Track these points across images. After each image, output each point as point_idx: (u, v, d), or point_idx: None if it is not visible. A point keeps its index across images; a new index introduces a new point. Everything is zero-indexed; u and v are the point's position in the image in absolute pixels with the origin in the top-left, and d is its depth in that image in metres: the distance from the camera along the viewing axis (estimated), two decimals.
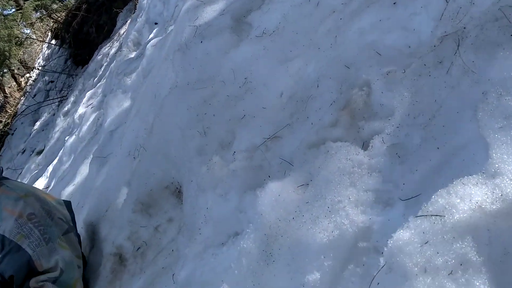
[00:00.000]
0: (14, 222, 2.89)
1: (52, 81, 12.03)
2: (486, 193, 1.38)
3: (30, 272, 2.87)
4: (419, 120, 1.79)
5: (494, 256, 1.35)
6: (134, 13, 8.05)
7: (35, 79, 14.42)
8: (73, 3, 11.81)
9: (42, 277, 2.87)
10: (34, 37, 14.58)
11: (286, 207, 1.92)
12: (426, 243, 1.40)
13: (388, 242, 1.51)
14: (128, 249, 3.48)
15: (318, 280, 1.68)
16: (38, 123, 11.55)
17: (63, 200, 3.63)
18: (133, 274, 3.30)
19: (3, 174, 3.44)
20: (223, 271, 2.14)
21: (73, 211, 3.63)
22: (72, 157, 6.50)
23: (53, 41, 13.32)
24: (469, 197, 1.40)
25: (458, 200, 1.41)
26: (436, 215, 1.42)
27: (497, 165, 1.41)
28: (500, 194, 1.35)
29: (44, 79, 12.73)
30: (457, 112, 1.66)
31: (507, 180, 1.36)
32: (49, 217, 3.14)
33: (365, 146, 1.94)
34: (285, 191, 1.99)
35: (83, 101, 7.77)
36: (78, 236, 3.65)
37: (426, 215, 1.45)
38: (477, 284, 1.33)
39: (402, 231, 1.48)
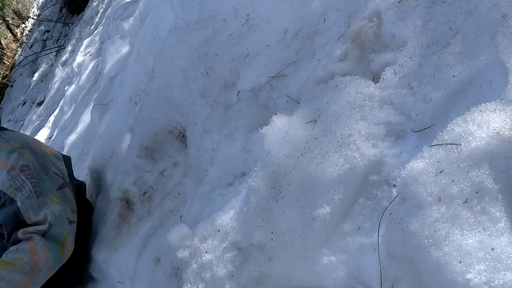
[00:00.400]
0: (6, 175, 2.85)
1: (48, 31, 11.77)
2: (505, 120, 1.33)
3: (19, 225, 2.85)
4: (433, 49, 1.72)
5: (511, 183, 1.31)
6: None
7: (31, 29, 14.11)
8: None
9: (30, 229, 2.85)
10: None
11: (294, 144, 1.87)
12: (441, 172, 1.37)
13: (401, 172, 1.47)
14: (135, 194, 3.49)
15: (328, 213, 1.66)
16: (37, 74, 11.40)
17: (62, 155, 3.60)
18: (141, 217, 3.32)
19: (1, 125, 3.39)
20: (232, 210, 2.13)
21: (71, 167, 3.61)
22: (73, 106, 6.44)
23: None
24: (486, 124, 1.35)
25: (475, 128, 1.36)
26: (452, 144, 1.38)
27: None
28: None
29: (40, 28, 12.45)
30: (474, 38, 1.58)
31: None
32: (43, 171, 3.10)
33: (376, 78, 1.87)
34: (292, 128, 1.94)
35: (80, 50, 7.61)
36: (80, 187, 3.65)
37: (441, 144, 1.40)
38: (493, 211, 1.30)
39: (416, 161, 1.44)
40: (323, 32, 2.39)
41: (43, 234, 2.90)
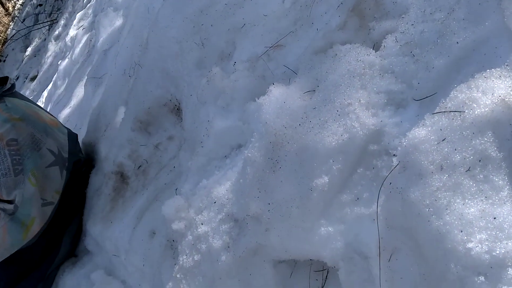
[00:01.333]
0: None
1: (40, 5, 11.55)
2: (510, 86, 1.29)
3: None
4: (436, 15, 1.67)
5: None
6: None
7: (23, 2, 13.84)
8: None
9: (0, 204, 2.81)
10: None
11: (292, 114, 1.83)
12: (444, 140, 1.33)
13: (403, 141, 1.44)
14: (129, 167, 3.45)
15: (327, 184, 1.63)
16: (29, 49, 11.22)
17: (68, 131, 3.56)
18: (136, 191, 3.29)
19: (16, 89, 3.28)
20: (228, 182, 2.10)
21: (76, 143, 3.57)
22: (67, 81, 6.35)
23: None
24: (491, 91, 1.31)
25: (480, 94, 1.32)
26: (455, 111, 1.34)
27: None
28: None
29: (32, 2, 12.21)
30: (479, 3, 1.53)
31: None
32: (34, 147, 3.03)
33: (376, 47, 1.82)
34: (290, 98, 1.89)
35: (73, 23, 7.48)
36: (78, 162, 3.60)
37: (444, 111, 1.36)
38: (496, 180, 1.27)
39: (417, 129, 1.41)
40: (321, 1, 2.33)
41: (11, 213, 2.85)
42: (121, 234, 3.08)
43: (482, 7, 1.52)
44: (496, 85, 1.31)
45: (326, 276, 1.82)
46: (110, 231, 3.23)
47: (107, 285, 3.12)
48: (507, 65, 1.34)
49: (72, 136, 3.67)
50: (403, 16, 1.79)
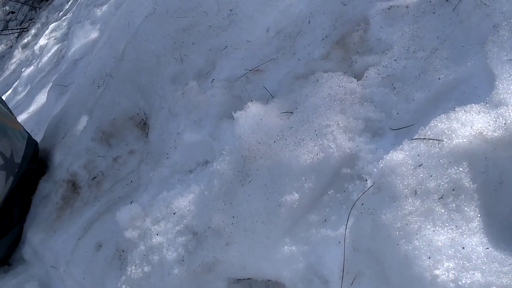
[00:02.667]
0: None
1: (12, 12, 11.32)
2: (489, 121, 1.32)
3: None
4: (419, 54, 1.72)
5: (489, 184, 1.30)
6: None
7: None
8: None
9: None
10: None
11: (268, 131, 1.81)
12: (420, 165, 1.34)
13: (380, 162, 1.44)
14: (83, 177, 3.31)
15: (297, 201, 1.60)
16: None
17: (29, 137, 3.44)
18: (86, 202, 3.14)
19: None
20: (191, 194, 2.03)
21: (33, 150, 3.45)
22: (29, 87, 6.15)
23: None
24: (470, 124, 1.34)
25: (459, 125, 1.35)
26: (434, 139, 1.36)
27: (502, 96, 1.36)
28: (503, 123, 1.29)
29: (4, 8, 11.96)
30: (463, 46, 1.60)
31: None
32: None
33: (358, 78, 1.86)
34: (267, 115, 1.88)
35: (45, 33, 7.34)
36: (29, 171, 3.45)
37: (423, 138, 1.38)
38: (467, 210, 1.28)
39: (395, 152, 1.41)
40: (306, 34, 2.38)
41: None
42: (64, 244, 2.90)
43: (465, 49, 1.59)
44: (475, 119, 1.35)
45: None
46: (52, 240, 3.05)
47: None
48: (486, 103, 1.38)
49: (31, 143, 3.52)
50: (387, 52, 1.84)
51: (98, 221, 2.83)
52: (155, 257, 1.92)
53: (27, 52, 8.34)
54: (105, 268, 2.39)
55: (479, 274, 1.19)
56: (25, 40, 8.98)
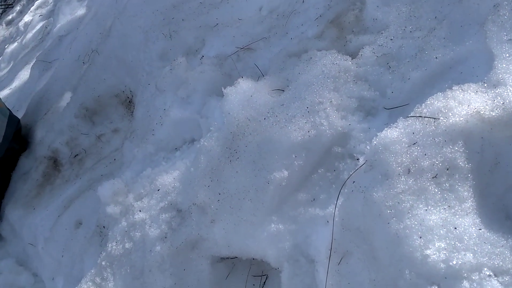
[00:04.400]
0: None
1: None
2: (486, 101, 1.29)
3: None
4: (416, 34, 1.69)
5: (484, 165, 1.27)
6: None
7: None
8: None
9: None
10: None
11: (258, 108, 1.76)
12: (415, 143, 1.31)
13: (373, 140, 1.40)
14: (65, 155, 3.23)
15: (285, 178, 1.55)
16: None
17: (10, 114, 3.35)
18: (68, 179, 3.06)
19: None
20: (176, 171, 1.98)
21: (15, 128, 3.36)
22: (12, 64, 6.00)
23: None
24: (467, 103, 1.31)
25: (456, 104, 1.31)
26: (430, 117, 1.32)
27: (500, 76, 1.33)
28: (501, 103, 1.26)
29: None
30: (461, 26, 1.56)
31: (511, 90, 1.27)
32: None
33: (353, 56, 1.81)
34: (258, 92, 1.83)
35: (30, 9, 7.16)
36: (10, 150, 3.37)
37: (418, 116, 1.34)
38: (461, 190, 1.25)
39: (389, 129, 1.38)
40: (300, 13, 2.32)
41: None
42: (43, 221, 2.83)
43: (463, 29, 1.55)
44: (472, 98, 1.31)
45: (264, 282, 1.72)
46: (31, 217, 2.97)
47: (16, 275, 2.83)
48: (484, 82, 1.35)
49: (13, 120, 3.42)
50: (382, 32, 1.80)
51: (79, 198, 2.75)
52: (137, 233, 1.87)
53: (12, 28, 8.13)
54: (84, 245, 2.33)
55: (471, 255, 1.17)
56: (10, 17, 8.75)
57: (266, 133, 1.65)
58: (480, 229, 1.20)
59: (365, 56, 1.74)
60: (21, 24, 7.08)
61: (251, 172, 1.63)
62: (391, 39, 1.73)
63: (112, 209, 2.01)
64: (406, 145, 1.32)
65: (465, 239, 1.19)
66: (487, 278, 1.13)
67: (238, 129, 1.74)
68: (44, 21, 6.13)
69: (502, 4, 1.46)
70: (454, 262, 1.17)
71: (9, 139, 3.33)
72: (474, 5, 1.55)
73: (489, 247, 1.18)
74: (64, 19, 5.02)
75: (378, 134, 1.41)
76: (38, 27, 6.18)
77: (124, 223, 1.94)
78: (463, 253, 1.17)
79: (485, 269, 1.15)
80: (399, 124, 1.38)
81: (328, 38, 1.98)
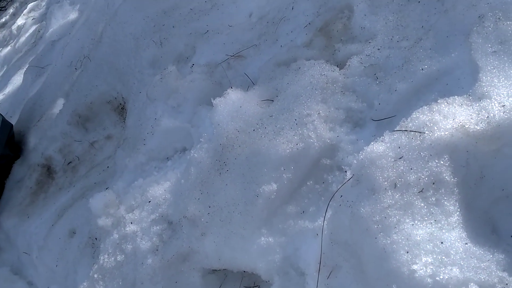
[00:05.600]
0: None
1: None
2: (471, 114, 1.30)
3: None
4: (403, 43, 1.69)
5: (469, 178, 1.28)
6: None
7: None
8: None
9: None
10: None
11: (247, 119, 1.77)
12: (401, 158, 1.31)
13: (360, 154, 1.40)
14: (58, 162, 3.22)
15: (274, 191, 1.56)
16: None
17: (3, 119, 3.34)
18: (61, 187, 3.06)
19: None
20: (167, 182, 1.98)
21: (7, 134, 3.35)
22: (5, 68, 5.98)
23: None
24: (452, 116, 1.31)
25: (441, 118, 1.32)
26: (415, 131, 1.33)
27: (485, 89, 1.33)
28: (486, 116, 1.27)
29: None
30: (447, 36, 1.56)
31: (495, 103, 1.28)
32: None
33: (340, 66, 1.81)
34: (247, 103, 1.84)
35: (23, 13, 7.13)
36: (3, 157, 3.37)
37: (404, 130, 1.35)
38: (447, 204, 1.25)
39: (376, 144, 1.38)
40: (289, 20, 2.32)
41: None
42: (37, 230, 2.83)
43: (449, 40, 1.55)
44: (457, 112, 1.32)
45: None
46: (25, 225, 2.97)
47: (11, 284, 2.83)
48: (469, 95, 1.35)
49: (6, 126, 3.41)
50: (370, 41, 1.80)
51: (72, 207, 2.75)
52: (128, 246, 1.87)
53: (5, 31, 8.10)
54: (77, 255, 2.33)
55: (457, 269, 1.17)
56: (3, 20, 8.72)
57: (255, 146, 1.65)
58: (467, 244, 1.21)
59: (352, 66, 1.74)
60: (14, 27, 7.06)
61: (241, 185, 1.63)
62: (379, 49, 1.73)
63: (103, 221, 2.01)
64: (392, 160, 1.32)
65: (452, 253, 1.20)
66: None
67: (228, 141, 1.74)
68: (37, 25, 6.11)
69: (487, 15, 1.46)
70: (441, 277, 1.17)
71: (2, 145, 3.32)
72: (460, 16, 1.55)
73: (475, 261, 1.18)
74: (56, 23, 5.00)
75: (364, 148, 1.41)
76: (31, 30, 6.16)
77: (115, 235, 1.94)
78: (449, 267, 1.18)
79: (472, 283, 1.15)
80: (385, 138, 1.38)
81: (317, 47, 1.98)
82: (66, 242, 2.57)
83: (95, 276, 1.90)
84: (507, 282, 1.13)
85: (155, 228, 1.84)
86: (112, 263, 1.88)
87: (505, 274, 1.15)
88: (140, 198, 2.00)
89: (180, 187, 1.85)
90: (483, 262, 1.18)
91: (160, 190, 1.95)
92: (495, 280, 1.15)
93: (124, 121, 3.05)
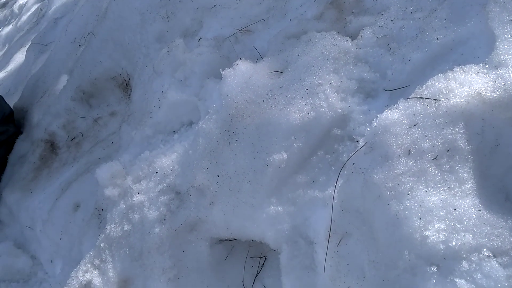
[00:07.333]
0: None
1: None
2: (488, 82, 1.28)
3: None
4: (417, 14, 1.67)
5: (484, 146, 1.27)
6: None
7: None
8: None
9: None
10: None
11: (257, 89, 1.75)
12: (415, 125, 1.30)
13: (373, 121, 1.40)
14: (62, 138, 3.21)
15: (285, 160, 1.55)
16: None
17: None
18: (65, 163, 3.05)
19: None
20: (174, 153, 1.97)
21: (8, 113, 3.35)
22: (7, 46, 5.94)
23: None
24: (469, 84, 1.30)
25: (457, 85, 1.30)
26: (431, 98, 1.32)
27: (502, 57, 1.32)
28: (503, 84, 1.25)
29: None
30: (462, 6, 1.55)
31: None
32: None
33: (353, 37, 1.79)
34: (257, 74, 1.82)
35: None
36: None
37: (419, 98, 1.34)
38: (461, 171, 1.25)
39: (390, 111, 1.37)
40: None
41: None
42: (41, 204, 2.82)
43: (465, 10, 1.54)
44: (474, 79, 1.30)
45: (263, 264, 1.73)
46: (28, 200, 2.96)
47: (14, 258, 2.83)
48: (485, 64, 1.34)
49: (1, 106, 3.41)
50: (383, 13, 1.78)
51: (76, 181, 2.75)
52: (135, 215, 1.86)
53: (6, 11, 8.04)
54: (83, 227, 2.33)
55: (470, 236, 1.17)
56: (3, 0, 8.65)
57: (265, 115, 1.64)
58: (480, 211, 1.21)
59: (365, 37, 1.72)
60: (15, 6, 7.00)
61: (250, 154, 1.62)
62: (392, 20, 1.71)
63: (110, 192, 2.01)
64: (407, 127, 1.31)
65: (465, 220, 1.19)
66: (486, 259, 1.14)
67: (237, 111, 1.73)
68: (39, 4, 6.06)
69: None
70: (454, 243, 1.17)
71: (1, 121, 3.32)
72: None
73: (489, 228, 1.18)
74: (59, 1, 4.96)
75: (378, 115, 1.40)
76: (33, 9, 6.11)
77: (122, 206, 1.94)
78: (462, 234, 1.18)
79: (484, 249, 1.15)
80: (399, 106, 1.37)
81: (328, 20, 1.96)
82: (71, 216, 2.56)
83: (102, 245, 1.90)
84: None
85: (162, 198, 1.83)
86: (119, 232, 1.87)
87: None
88: (147, 169, 1.99)
89: (188, 158, 1.84)
90: (496, 229, 1.18)
91: (167, 161, 1.94)
92: (508, 246, 1.15)
93: (128, 98, 3.03)
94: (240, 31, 2.35)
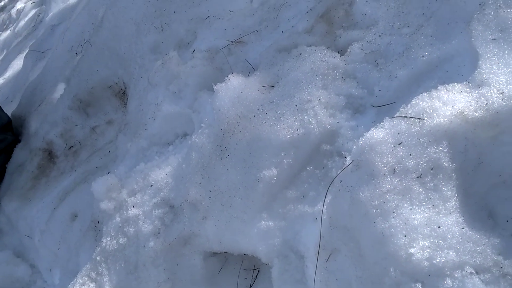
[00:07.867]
0: None
1: None
2: (470, 101, 1.31)
3: None
4: (404, 30, 1.70)
5: (467, 165, 1.30)
6: None
7: None
8: None
9: None
10: None
11: (248, 104, 1.78)
12: (400, 144, 1.33)
13: (359, 140, 1.42)
14: (60, 146, 3.24)
15: (275, 176, 1.58)
16: None
17: None
18: (63, 172, 3.08)
19: None
20: (168, 167, 2.00)
21: (6, 122, 3.38)
22: (4, 53, 5.97)
23: None
24: (452, 103, 1.33)
25: (441, 104, 1.33)
26: (415, 117, 1.34)
27: (484, 76, 1.34)
28: (485, 103, 1.28)
29: None
30: (448, 23, 1.57)
31: (494, 90, 1.29)
32: None
33: (342, 52, 1.82)
34: (248, 89, 1.85)
35: None
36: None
37: (404, 116, 1.37)
38: (445, 190, 1.28)
39: (376, 130, 1.40)
40: (291, 6, 2.32)
41: None
42: (39, 213, 2.86)
43: (450, 27, 1.56)
44: (457, 98, 1.33)
45: (256, 276, 1.76)
46: (27, 209, 3.00)
47: (13, 266, 2.87)
48: (468, 82, 1.37)
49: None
50: (371, 27, 1.81)
51: (74, 191, 2.78)
52: (131, 229, 1.90)
53: (4, 15, 8.06)
54: (80, 238, 2.36)
55: (453, 253, 1.20)
56: (2, 3, 8.67)
57: (255, 131, 1.67)
58: (463, 228, 1.24)
59: (353, 52, 1.75)
60: (13, 11, 7.03)
61: (241, 169, 1.65)
62: (380, 36, 1.74)
63: (106, 205, 2.04)
64: (392, 145, 1.34)
65: (448, 237, 1.23)
66: (469, 276, 1.17)
67: (229, 126, 1.76)
68: (37, 9, 6.09)
69: (488, 3, 1.47)
70: (437, 260, 1.20)
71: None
72: (461, 3, 1.56)
73: (471, 245, 1.21)
74: (56, 8, 4.98)
75: (364, 134, 1.43)
76: (30, 14, 6.14)
77: (118, 219, 1.97)
78: (446, 251, 1.21)
79: (467, 267, 1.18)
80: (385, 124, 1.40)
81: (318, 33, 1.98)
82: (68, 226, 2.60)
83: (98, 258, 1.94)
84: (501, 265, 1.16)
85: (157, 211, 1.86)
86: (114, 245, 1.91)
87: (500, 258, 1.18)
88: (142, 182, 2.02)
89: (181, 172, 1.87)
90: (479, 246, 1.21)
91: (161, 174, 1.97)
92: (491, 264, 1.18)
93: (125, 106, 3.06)
94: (233, 43, 2.38)
